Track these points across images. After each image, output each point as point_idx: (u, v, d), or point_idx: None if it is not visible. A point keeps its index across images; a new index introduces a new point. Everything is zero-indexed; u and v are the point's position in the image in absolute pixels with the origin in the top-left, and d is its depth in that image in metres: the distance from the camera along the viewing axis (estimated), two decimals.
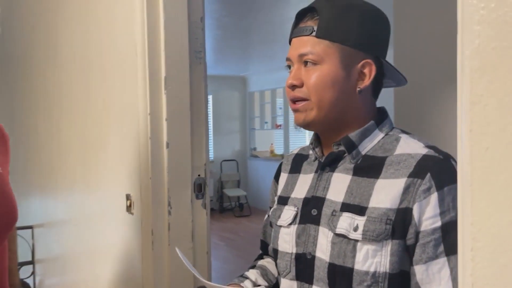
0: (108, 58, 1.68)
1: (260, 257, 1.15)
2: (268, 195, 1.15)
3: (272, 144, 8.35)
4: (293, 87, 0.89)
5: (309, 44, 0.86)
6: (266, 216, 1.14)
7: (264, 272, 1.07)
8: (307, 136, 9.83)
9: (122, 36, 1.53)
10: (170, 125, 1.38)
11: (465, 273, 0.48)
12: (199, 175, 1.45)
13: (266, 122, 8.20)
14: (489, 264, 0.45)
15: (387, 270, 0.79)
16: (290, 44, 0.92)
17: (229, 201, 7.84)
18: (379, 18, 0.88)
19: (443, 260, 0.77)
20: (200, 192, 1.46)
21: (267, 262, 1.11)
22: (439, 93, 2.10)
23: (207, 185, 1.47)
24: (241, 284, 1.01)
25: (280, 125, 8.00)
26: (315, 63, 0.86)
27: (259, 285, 1.03)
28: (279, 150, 8.18)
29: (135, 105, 1.42)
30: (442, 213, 0.77)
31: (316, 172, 0.94)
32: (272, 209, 1.04)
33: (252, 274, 1.06)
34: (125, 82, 1.54)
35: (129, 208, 1.50)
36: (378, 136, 0.89)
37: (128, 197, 1.50)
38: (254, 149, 8.40)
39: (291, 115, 8.35)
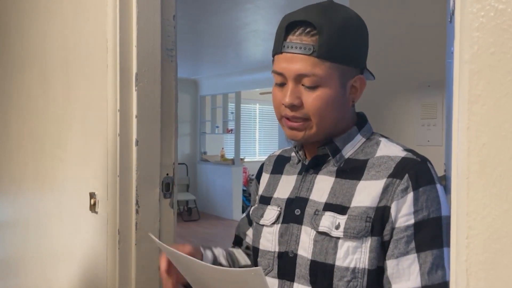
0: (73, 53, 1.62)
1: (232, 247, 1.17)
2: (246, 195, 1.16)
3: (222, 148, 8.34)
4: (292, 107, 0.86)
5: (308, 65, 0.83)
6: (245, 213, 1.15)
7: (229, 256, 1.09)
8: (257, 142, 9.92)
9: (91, 31, 1.49)
10: (140, 122, 1.36)
11: (460, 259, 0.52)
12: (167, 174, 1.44)
13: (217, 126, 8.18)
14: (484, 251, 0.50)
15: (366, 266, 0.82)
16: (275, 54, 0.88)
17: (177, 205, 7.73)
18: (365, 30, 0.89)
19: (413, 256, 0.81)
20: (168, 191, 1.44)
21: (236, 251, 1.13)
22: (395, 96, 2.21)
23: (175, 184, 1.46)
24: (201, 249, 1.02)
25: (231, 130, 8.02)
26: (317, 85, 0.84)
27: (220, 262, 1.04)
28: (229, 155, 8.19)
29: (103, 101, 1.38)
30: (415, 212, 0.81)
31: (299, 173, 0.96)
32: (253, 208, 1.06)
33: (216, 250, 1.07)
34: (92, 78, 1.49)
35: (93, 207, 1.45)
36: (360, 141, 0.92)
37: (92, 195, 1.45)
38: (204, 153, 8.35)
39: (243, 120, 8.40)
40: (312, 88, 0.84)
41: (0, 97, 2.41)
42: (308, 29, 0.83)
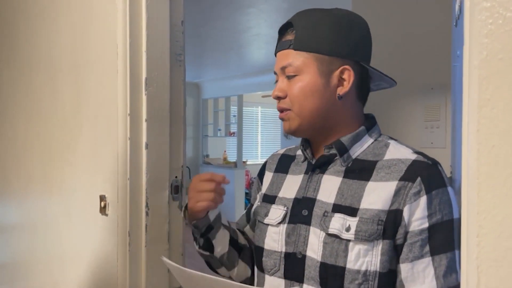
0: (82, 58, 1.64)
1: None
2: (251, 192, 1.18)
3: (225, 151, 8.37)
4: (278, 98, 0.95)
5: (289, 57, 0.92)
6: (246, 210, 1.17)
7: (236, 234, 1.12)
8: (259, 145, 9.94)
9: (101, 36, 1.51)
10: (150, 126, 1.38)
11: (471, 257, 0.54)
12: (176, 177, 1.46)
13: (219, 129, 8.21)
14: (494, 249, 0.51)
15: (377, 269, 0.83)
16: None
17: None
18: (355, 23, 0.92)
19: (428, 259, 0.81)
20: (176, 193, 1.46)
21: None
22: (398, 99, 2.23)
23: (183, 187, 1.48)
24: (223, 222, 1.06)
25: (233, 133, 8.04)
26: (295, 74, 0.91)
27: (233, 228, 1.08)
28: (232, 158, 8.21)
29: (113, 105, 1.40)
30: (429, 215, 0.82)
31: (306, 173, 0.97)
32: (256, 206, 1.07)
33: (231, 228, 1.11)
34: (102, 82, 1.52)
35: (103, 209, 1.47)
36: (368, 141, 0.93)
37: (102, 198, 1.47)
38: (207, 156, 8.37)
39: (245, 123, 8.42)
40: (292, 78, 0.92)
41: (8, 100, 2.43)
42: (292, 29, 0.93)
